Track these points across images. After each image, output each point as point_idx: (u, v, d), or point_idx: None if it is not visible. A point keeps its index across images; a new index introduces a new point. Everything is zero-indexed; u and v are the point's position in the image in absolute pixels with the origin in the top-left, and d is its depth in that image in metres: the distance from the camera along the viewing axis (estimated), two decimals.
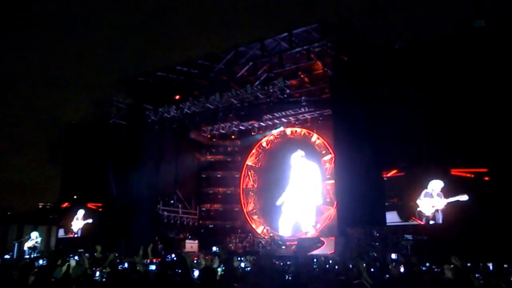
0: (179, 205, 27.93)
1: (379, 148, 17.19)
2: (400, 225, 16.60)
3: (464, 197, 15.22)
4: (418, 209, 16.24)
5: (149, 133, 25.61)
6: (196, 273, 6.20)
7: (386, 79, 17.41)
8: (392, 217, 16.72)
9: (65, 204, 26.88)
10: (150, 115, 25.31)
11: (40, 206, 43.51)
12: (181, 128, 26.82)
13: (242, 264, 10.23)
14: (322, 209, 25.29)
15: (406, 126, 16.66)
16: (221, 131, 29.21)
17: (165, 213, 26.67)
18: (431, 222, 16.02)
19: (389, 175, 17.27)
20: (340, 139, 19.26)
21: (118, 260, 11.27)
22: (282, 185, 27.00)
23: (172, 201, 27.54)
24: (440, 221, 15.84)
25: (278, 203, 26.66)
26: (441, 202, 15.86)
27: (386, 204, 17.00)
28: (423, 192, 16.39)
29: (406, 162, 16.86)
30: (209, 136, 30.13)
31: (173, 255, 17.17)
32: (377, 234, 17.06)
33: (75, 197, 26.33)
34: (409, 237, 16.09)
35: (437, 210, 15.83)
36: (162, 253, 20.22)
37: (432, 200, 16.10)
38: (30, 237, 24.65)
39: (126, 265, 9.52)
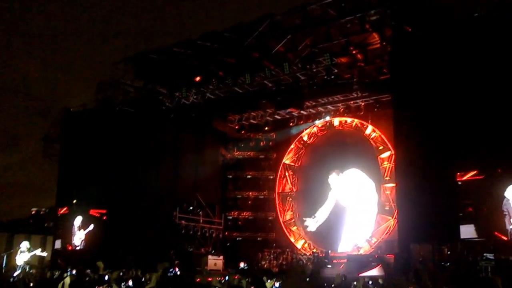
0: (200, 213, 28.46)
1: (453, 144, 17.02)
2: (479, 242, 16.39)
3: None
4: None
5: (163, 123, 26.15)
6: None
7: (462, 55, 17.17)
8: (468, 231, 16.47)
9: (63, 210, 27.66)
10: (164, 100, 25.84)
11: (33, 212, 45.05)
12: (202, 117, 27.29)
13: (277, 284, 10.45)
14: (380, 220, 25.27)
15: (489, 116, 16.35)
16: (252, 121, 29.50)
17: (183, 222, 27.30)
18: None
19: (465, 178, 16.99)
20: (402, 131, 19.19)
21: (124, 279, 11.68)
22: (328, 189, 27.14)
23: (191, 208, 28.07)
24: None
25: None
26: None
27: (461, 214, 16.78)
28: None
29: (488, 162, 16.56)
30: (237, 127, 30.35)
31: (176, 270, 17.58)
32: (449, 252, 16.95)
33: (74, 201, 27.05)
34: (490, 256, 15.86)
35: None
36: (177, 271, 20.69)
37: None
38: (21, 248, 25.51)
39: (130, 283, 9.80)
